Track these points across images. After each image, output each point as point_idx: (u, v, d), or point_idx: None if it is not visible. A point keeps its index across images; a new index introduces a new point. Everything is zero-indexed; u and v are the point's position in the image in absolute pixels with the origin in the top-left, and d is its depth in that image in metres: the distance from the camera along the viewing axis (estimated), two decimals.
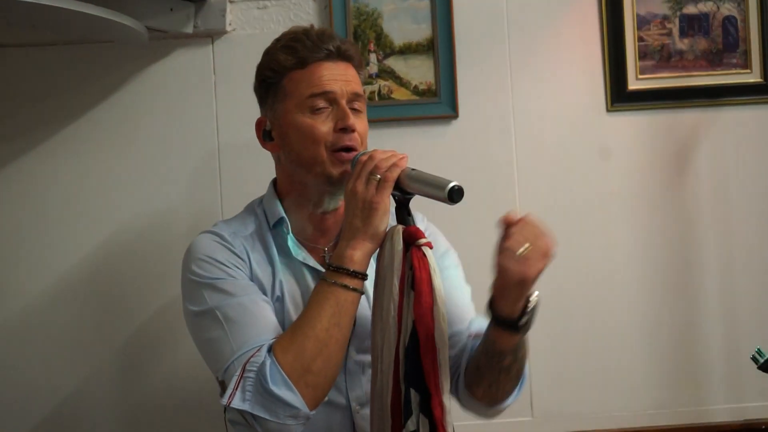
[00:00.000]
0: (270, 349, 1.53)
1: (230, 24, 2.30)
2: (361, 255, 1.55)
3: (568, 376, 2.34)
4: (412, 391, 1.45)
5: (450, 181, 1.49)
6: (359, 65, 1.75)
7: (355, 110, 1.70)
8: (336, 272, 1.54)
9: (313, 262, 1.71)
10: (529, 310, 1.52)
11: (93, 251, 2.30)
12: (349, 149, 1.66)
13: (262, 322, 1.60)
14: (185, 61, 2.31)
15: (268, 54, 1.77)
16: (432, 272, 1.48)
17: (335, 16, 2.28)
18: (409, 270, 1.49)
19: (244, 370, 1.52)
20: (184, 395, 2.28)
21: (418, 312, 1.46)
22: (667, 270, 2.36)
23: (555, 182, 2.36)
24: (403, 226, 1.54)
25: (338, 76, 1.69)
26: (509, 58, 2.35)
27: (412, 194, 1.57)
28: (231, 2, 2.30)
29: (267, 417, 1.50)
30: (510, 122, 2.34)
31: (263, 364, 1.51)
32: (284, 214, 1.73)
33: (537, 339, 2.28)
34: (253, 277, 1.69)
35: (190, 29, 2.26)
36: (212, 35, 2.30)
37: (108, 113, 2.30)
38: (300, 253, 1.72)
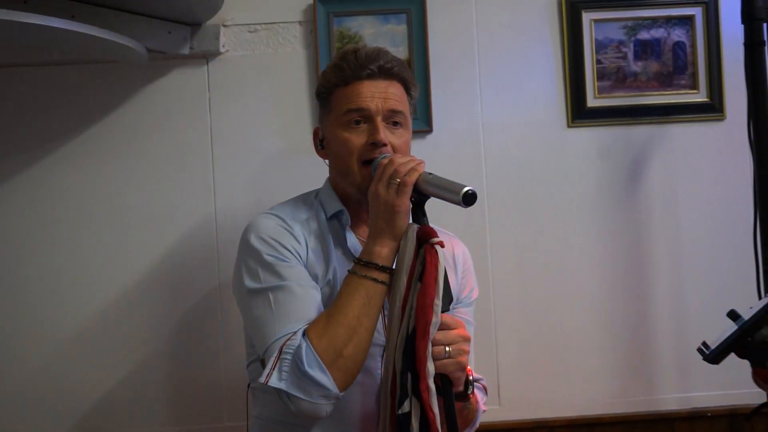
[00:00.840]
0: (305, 334, 1.59)
1: (224, 46, 2.37)
2: (388, 251, 1.61)
3: (533, 369, 2.42)
4: (409, 375, 1.52)
5: (464, 186, 1.53)
6: (406, 82, 1.79)
7: (394, 125, 1.75)
8: (366, 266, 1.61)
9: None
10: (471, 384, 1.70)
11: (93, 261, 2.36)
12: None
13: (306, 309, 1.64)
14: (182, 79, 2.37)
15: (324, 71, 1.83)
16: (439, 269, 1.54)
17: (320, 39, 2.34)
18: (420, 265, 1.55)
19: (281, 352, 1.57)
20: (185, 389, 2.37)
21: (421, 302, 1.52)
22: (621, 271, 2.44)
23: (520, 191, 2.43)
24: (418, 225, 1.61)
25: (377, 94, 1.73)
26: (479, 78, 2.43)
27: (427, 196, 1.62)
28: (224, 26, 2.36)
29: (301, 396, 1.56)
30: (479, 136, 2.42)
31: (299, 347, 1.56)
32: (344, 207, 1.79)
33: (504, 335, 2.41)
34: (307, 262, 1.73)
35: (186, 50, 2.33)
36: (207, 56, 2.37)
37: (111, 127, 2.36)
38: (356, 246, 1.76)
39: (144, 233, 2.37)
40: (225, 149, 2.39)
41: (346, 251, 1.78)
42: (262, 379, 1.58)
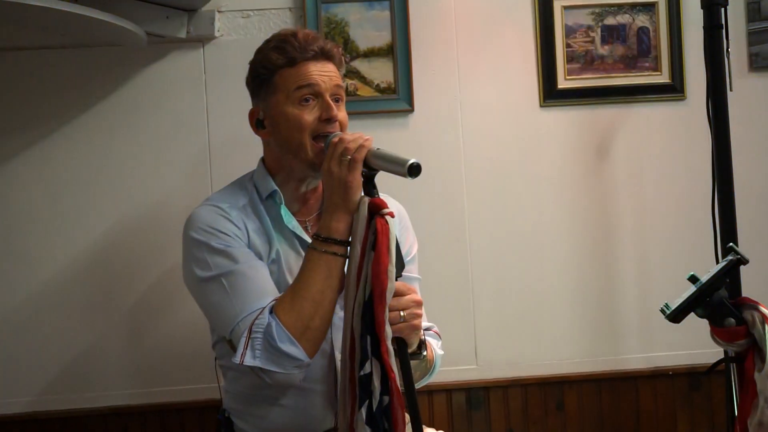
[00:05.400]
0: (272, 311, 1.59)
1: (218, 30, 2.35)
2: (344, 226, 1.60)
3: (508, 331, 2.42)
4: (368, 338, 1.51)
5: (409, 159, 1.53)
6: (340, 62, 1.79)
7: (337, 100, 1.74)
8: (324, 242, 1.60)
9: (300, 231, 1.75)
10: (424, 343, 1.71)
11: (98, 231, 2.33)
12: None
13: (261, 287, 1.65)
14: (179, 62, 2.35)
15: (261, 53, 1.78)
16: (390, 238, 1.53)
17: (309, 24, 2.33)
18: (372, 235, 1.54)
19: (250, 331, 1.57)
20: (181, 349, 2.33)
21: (375, 270, 1.51)
22: (590, 240, 2.44)
23: (495, 167, 2.42)
24: (369, 198, 1.59)
25: (323, 73, 1.72)
26: (457, 61, 2.41)
27: (377, 170, 1.60)
28: (219, 12, 2.34)
29: (276, 369, 1.57)
30: (458, 115, 2.41)
31: (269, 325, 1.56)
32: (277, 188, 1.77)
33: (482, 299, 2.42)
34: (250, 245, 1.72)
35: (183, 34, 2.30)
36: (203, 40, 2.35)
37: (112, 106, 2.33)
38: (291, 222, 1.75)
39: (143, 212, 2.35)
40: (220, 127, 2.36)
41: (284, 229, 1.76)
42: (237, 360, 1.57)
